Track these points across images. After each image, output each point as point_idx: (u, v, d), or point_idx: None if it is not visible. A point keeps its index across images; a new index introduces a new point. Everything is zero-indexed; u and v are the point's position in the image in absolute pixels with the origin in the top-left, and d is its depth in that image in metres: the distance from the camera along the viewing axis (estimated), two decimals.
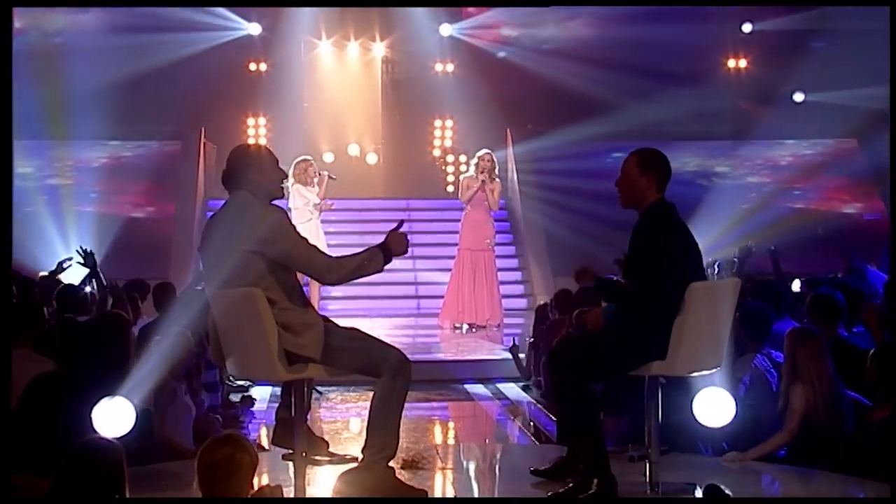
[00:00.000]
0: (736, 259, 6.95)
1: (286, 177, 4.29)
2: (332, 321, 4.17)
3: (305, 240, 4.08)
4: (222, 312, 4.06)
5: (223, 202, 4.20)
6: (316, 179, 10.10)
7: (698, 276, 4.23)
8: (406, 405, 4.11)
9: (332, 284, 4.05)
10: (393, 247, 4.05)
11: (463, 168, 14.07)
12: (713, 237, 10.61)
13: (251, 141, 14.62)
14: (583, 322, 4.33)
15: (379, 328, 9.85)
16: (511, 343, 7.80)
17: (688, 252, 4.19)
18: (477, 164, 10.23)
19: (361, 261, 4.04)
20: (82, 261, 6.69)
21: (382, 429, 4.05)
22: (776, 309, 5.52)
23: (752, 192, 13.76)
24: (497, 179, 10.29)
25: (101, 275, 6.70)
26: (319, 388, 6.99)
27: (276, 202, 4.17)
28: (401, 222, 4.17)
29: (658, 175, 4.23)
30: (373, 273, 4.04)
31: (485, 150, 10.39)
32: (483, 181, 10.12)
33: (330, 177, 10.15)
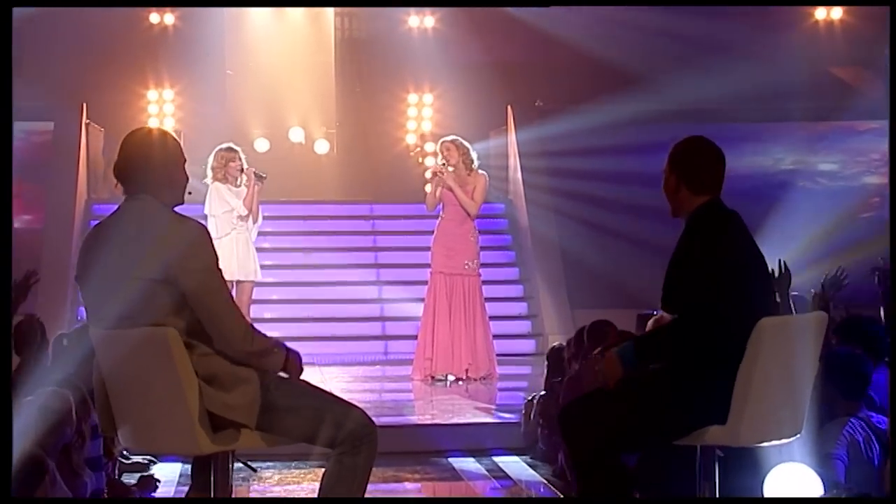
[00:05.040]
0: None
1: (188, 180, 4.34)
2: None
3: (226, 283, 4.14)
4: (116, 361, 4.07)
5: (116, 207, 4.22)
6: (243, 180, 10.00)
7: (767, 307, 4.28)
8: (369, 486, 4.15)
9: (234, 355, 4.07)
10: (292, 361, 4.19)
11: None
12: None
13: (153, 122, 14.68)
14: (598, 372, 4.33)
15: (332, 380, 9.86)
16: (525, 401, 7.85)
17: (754, 274, 4.24)
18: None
19: (270, 347, 4.14)
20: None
21: None
22: (872, 355, 5.56)
23: (875, 195, 13.90)
24: (479, 172, 10.30)
25: None
26: (251, 464, 7.02)
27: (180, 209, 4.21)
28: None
29: (690, 172, 4.29)
30: (267, 369, 4.11)
31: (445, 139, 10.43)
32: (437, 173, 10.16)
33: (257, 175, 10.00)
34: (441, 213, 10.28)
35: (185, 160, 4.29)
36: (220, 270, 4.09)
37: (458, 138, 10.40)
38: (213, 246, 4.08)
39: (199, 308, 4.02)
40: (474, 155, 10.29)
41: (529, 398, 7.84)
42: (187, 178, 4.28)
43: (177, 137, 4.39)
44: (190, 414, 3.96)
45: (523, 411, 7.83)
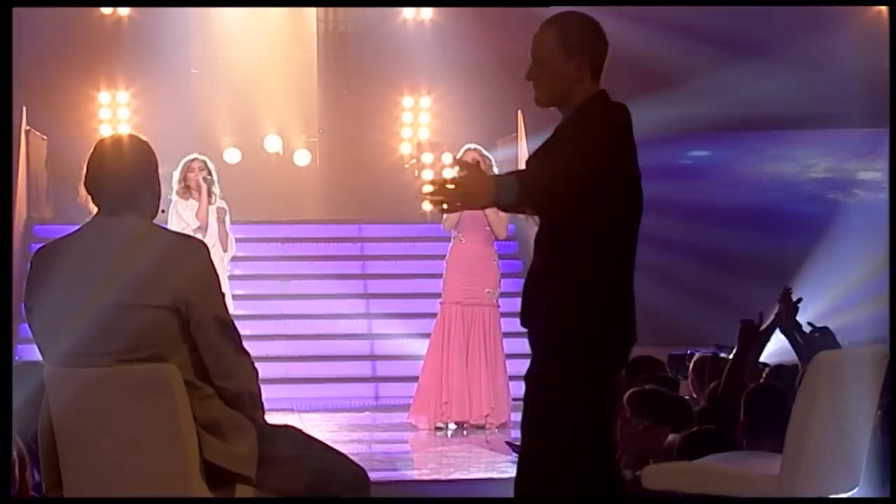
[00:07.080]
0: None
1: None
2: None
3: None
4: (83, 404, 4.06)
5: (81, 225, 4.24)
6: (218, 194, 10.03)
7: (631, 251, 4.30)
8: None
9: (231, 397, 4.11)
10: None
11: (449, 174, 14.16)
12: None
13: (106, 129, 14.70)
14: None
15: (315, 428, 9.85)
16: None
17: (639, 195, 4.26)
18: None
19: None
20: None
21: None
22: None
23: None
24: None
25: None
26: None
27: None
28: None
29: (593, 56, 4.31)
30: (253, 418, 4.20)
31: (469, 146, 10.47)
32: None
33: (204, 178, 9.97)
34: (456, 234, 10.26)
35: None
36: (223, 295, 4.16)
37: (480, 147, 10.42)
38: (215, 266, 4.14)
39: (206, 338, 4.05)
40: (496, 170, 10.32)
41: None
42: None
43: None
44: (188, 466, 3.97)
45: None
